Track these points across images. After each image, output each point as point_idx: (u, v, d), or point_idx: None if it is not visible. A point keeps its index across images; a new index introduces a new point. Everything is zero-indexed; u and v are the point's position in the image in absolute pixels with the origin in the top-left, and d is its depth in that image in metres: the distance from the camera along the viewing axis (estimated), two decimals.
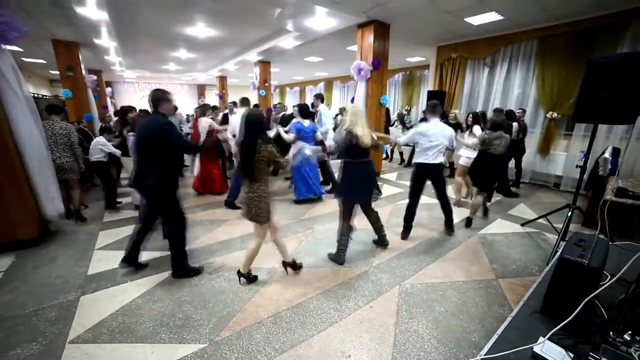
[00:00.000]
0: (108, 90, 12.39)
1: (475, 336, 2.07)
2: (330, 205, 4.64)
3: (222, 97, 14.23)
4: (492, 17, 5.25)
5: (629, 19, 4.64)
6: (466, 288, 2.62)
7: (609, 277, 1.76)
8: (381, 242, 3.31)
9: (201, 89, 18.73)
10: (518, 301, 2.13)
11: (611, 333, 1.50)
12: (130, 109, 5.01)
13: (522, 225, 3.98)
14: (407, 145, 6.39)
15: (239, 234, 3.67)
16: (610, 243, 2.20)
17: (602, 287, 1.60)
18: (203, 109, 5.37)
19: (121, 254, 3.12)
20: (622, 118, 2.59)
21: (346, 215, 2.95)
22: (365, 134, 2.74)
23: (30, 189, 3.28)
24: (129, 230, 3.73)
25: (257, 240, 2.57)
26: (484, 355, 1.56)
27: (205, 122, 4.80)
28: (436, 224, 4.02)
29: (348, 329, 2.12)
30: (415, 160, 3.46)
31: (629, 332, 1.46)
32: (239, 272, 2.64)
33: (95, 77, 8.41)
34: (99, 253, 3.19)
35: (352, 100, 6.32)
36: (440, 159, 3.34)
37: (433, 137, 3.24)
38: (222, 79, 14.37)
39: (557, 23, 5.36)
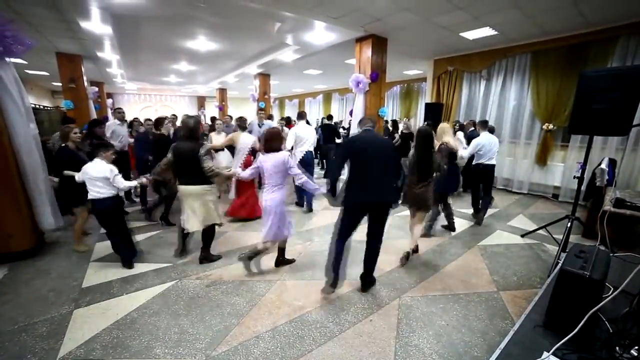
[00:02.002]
0: (109, 101, 12.51)
1: (478, 351, 2.02)
2: (328, 217, 4.62)
3: (222, 108, 14.37)
4: (487, 32, 5.38)
5: (617, 35, 4.80)
6: (467, 301, 2.57)
7: (612, 289, 1.74)
8: (438, 229, 4.04)
9: (201, 101, 18.93)
10: (520, 314, 2.10)
11: (617, 348, 1.47)
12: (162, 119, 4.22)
13: (522, 236, 3.96)
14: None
15: (237, 246, 3.63)
16: (611, 254, 2.19)
17: (606, 300, 1.58)
18: (241, 123, 4.53)
19: (118, 265, 3.09)
20: (616, 130, 2.63)
21: (437, 201, 3.74)
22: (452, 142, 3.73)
23: (26, 200, 3.26)
24: None
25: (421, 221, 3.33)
26: None
27: (248, 139, 4.26)
28: (436, 236, 4.00)
29: (347, 344, 2.07)
30: (474, 162, 4.44)
31: (636, 347, 1.43)
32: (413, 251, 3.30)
33: (97, 89, 8.51)
34: (94, 265, 3.13)
35: (351, 113, 6.39)
36: (494, 161, 4.34)
37: (487, 146, 4.26)
38: (222, 91, 14.55)
39: (549, 38, 5.49)
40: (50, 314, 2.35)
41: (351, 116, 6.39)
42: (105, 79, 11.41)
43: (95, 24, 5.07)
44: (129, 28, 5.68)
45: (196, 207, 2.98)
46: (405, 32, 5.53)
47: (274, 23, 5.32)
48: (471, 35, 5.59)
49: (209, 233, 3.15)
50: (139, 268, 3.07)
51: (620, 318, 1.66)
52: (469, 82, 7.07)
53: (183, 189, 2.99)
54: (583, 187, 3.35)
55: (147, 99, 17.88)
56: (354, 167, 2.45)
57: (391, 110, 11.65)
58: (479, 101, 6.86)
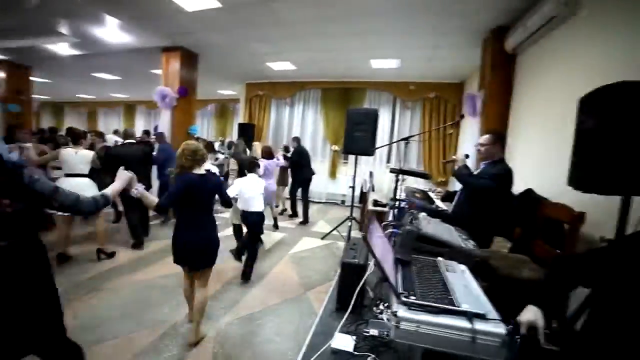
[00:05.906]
0: None
1: (291, 353, 2.15)
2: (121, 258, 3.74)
3: None
4: (288, 65, 6.29)
5: (365, 87, 7.09)
6: (282, 309, 2.72)
7: (369, 267, 2.39)
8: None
9: None
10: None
11: (374, 308, 2.00)
12: None
13: (322, 238, 4.77)
14: None
15: None
16: None
17: (365, 277, 2.13)
18: None
19: None
20: (366, 152, 3.75)
21: None
22: None
23: None
24: None
25: None
26: None
27: None
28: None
29: None
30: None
31: (381, 302, 2.01)
32: None
33: None
34: None
35: (156, 129, 5.61)
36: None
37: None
38: None
39: (331, 80, 7.20)
40: None
41: (156, 132, 5.62)
42: None
43: None
44: None
45: None
46: (216, 51, 5.54)
47: None
48: (276, 66, 6.35)
49: None
50: None
51: (375, 285, 2.28)
52: (277, 106, 8.03)
53: None
54: (358, 193, 4.52)
55: None
56: None
57: (206, 129, 11.32)
58: (285, 124, 7.93)
